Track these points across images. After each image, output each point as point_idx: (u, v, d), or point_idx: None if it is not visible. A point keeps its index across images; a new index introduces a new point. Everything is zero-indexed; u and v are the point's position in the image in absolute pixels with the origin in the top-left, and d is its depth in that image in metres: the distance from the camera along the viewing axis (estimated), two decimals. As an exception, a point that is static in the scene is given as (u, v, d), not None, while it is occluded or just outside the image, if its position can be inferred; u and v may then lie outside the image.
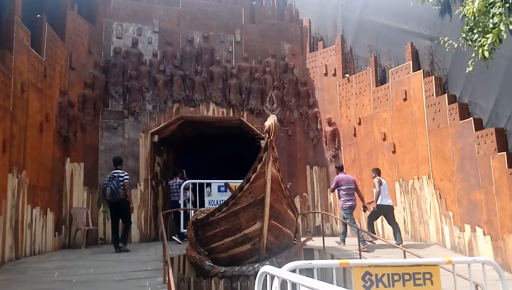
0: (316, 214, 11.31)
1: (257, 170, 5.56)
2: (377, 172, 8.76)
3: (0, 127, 6.35)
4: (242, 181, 5.93)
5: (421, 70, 8.97)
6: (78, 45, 10.22)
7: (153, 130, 10.86)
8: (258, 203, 5.67)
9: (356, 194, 8.78)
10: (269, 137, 5.35)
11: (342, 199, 8.74)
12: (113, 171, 8.20)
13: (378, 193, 8.31)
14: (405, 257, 5.13)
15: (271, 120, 5.28)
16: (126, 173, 8.26)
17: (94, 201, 9.96)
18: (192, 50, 11.62)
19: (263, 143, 5.76)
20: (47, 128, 8.44)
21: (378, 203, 8.32)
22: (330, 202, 11.45)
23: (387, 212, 8.47)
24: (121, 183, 7.92)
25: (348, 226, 8.74)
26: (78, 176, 9.66)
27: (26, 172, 7.33)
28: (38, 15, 8.31)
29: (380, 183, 8.42)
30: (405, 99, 9.29)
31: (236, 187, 6.26)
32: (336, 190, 8.90)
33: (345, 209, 8.65)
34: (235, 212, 5.83)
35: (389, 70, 9.89)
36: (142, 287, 4.94)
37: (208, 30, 11.92)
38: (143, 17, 11.55)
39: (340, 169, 9.20)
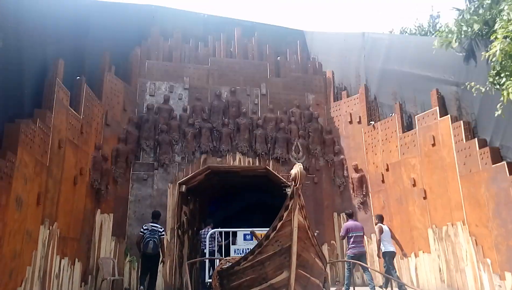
0: (346, 262, 10.86)
1: (283, 218, 5.49)
2: (380, 218, 8.76)
3: (36, 181, 6.71)
4: (268, 229, 5.87)
5: (449, 115, 8.89)
6: (114, 104, 10.90)
7: (181, 180, 11.13)
8: (284, 252, 5.54)
9: (364, 241, 8.85)
10: (295, 185, 5.35)
11: (349, 246, 8.71)
12: (152, 225, 8.54)
13: (379, 241, 8.37)
14: (441, 309, 4.79)
15: (297, 168, 5.32)
16: (163, 229, 8.81)
17: (121, 251, 10.09)
18: (220, 104, 12.11)
19: (289, 191, 5.76)
20: (81, 181, 8.82)
21: (383, 250, 8.35)
22: (360, 251, 11.00)
23: (389, 258, 8.36)
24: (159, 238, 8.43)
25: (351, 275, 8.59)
26: (107, 226, 9.89)
27: (58, 223, 7.58)
28: (78, 77, 9.01)
29: (381, 231, 8.44)
30: (433, 145, 9.15)
31: (262, 235, 6.18)
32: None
33: (348, 255, 8.67)
34: (261, 261, 5.70)
35: (416, 116, 9.86)
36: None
37: (235, 84, 12.48)
38: (174, 76, 12.28)
39: (349, 216, 9.22)
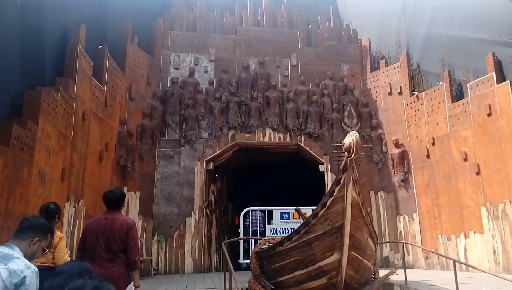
0: (384, 244, 10.19)
1: (335, 194, 4.86)
2: None
3: (60, 155, 6.23)
4: (315, 207, 5.24)
5: (508, 81, 7.93)
6: (138, 76, 10.35)
7: (209, 157, 10.58)
8: (336, 232, 4.92)
9: None
10: (349, 156, 4.66)
11: None
12: None
13: None
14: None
15: (352, 137, 4.61)
16: None
17: (148, 230, 9.68)
18: (248, 77, 11.40)
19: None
20: (106, 157, 8.37)
21: None
22: (400, 231, 10.27)
23: None
24: None
25: None
26: (134, 205, 9.46)
27: (84, 201, 7.14)
28: (100, 46, 8.44)
29: None
30: (489, 114, 8.22)
31: (305, 215, 5.55)
32: None
33: None
34: (308, 241, 5.10)
35: (468, 84, 8.89)
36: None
37: (263, 55, 11.71)
38: (199, 47, 11.60)
39: None
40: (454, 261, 5.52)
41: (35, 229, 2.29)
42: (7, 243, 2.16)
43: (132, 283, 3.62)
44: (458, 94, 9.48)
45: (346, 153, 4.72)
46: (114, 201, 3.61)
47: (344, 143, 4.72)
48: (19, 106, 5.40)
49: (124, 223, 3.55)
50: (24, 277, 1.99)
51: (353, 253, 5.03)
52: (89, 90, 7.55)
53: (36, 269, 2.10)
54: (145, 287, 7.11)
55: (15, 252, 2.10)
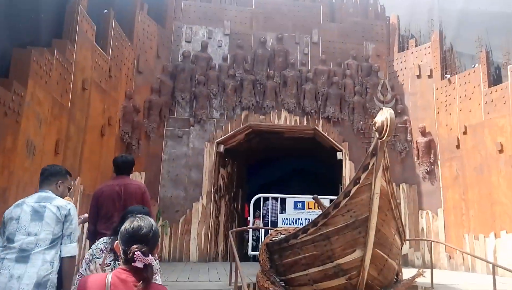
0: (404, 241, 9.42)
1: (361, 181, 4.15)
2: None
3: (54, 125, 5.64)
4: (333, 197, 4.54)
5: (557, 63, 7.01)
6: (146, 48, 9.69)
7: (219, 139, 9.92)
8: (359, 225, 4.25)
9: None
10: (381, 138, 3.92)
11: None
12: None
13: None
14: None
15: (385, 115, 3.86)
16: None
17: (153, 214, 9.08)
18: (264, 53, 10.63)
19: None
20: (109, 133, 7.80)
21: None
22: (422, 227, 9.49)
23: None
24: None
25: None
26: (138, 186, 8.86)
27: (81, 178, 6.57)
28: (105, 10, 7.78)
29: None
30: (532, 101, 7.33)
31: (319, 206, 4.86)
32: None
33: None
34: (327, 235, 4.44)
35: (508, 67, 7.97)
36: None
37: (282, 30, 10.89)
38: (214, 19, 10.85)
39: None
40: (494, 265, 4.78)
41: (55, 174, 2.68)
42: (41, 189, 2.60)
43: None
44: (495, 78, 8.59)
45: (377, 133, 4.01)
46: (126, 166, 3.69)
47: (375, 122, 3.98)
48: (6, 66, 4.79)
49: (138, 187, 3.69)
50: (69, 209, 2.54)
51: (378, 250, 4.34)
52: (91, 56, 6.92)
53: (73, 204, 2.62)
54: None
55: (51, 194, 2.58)
